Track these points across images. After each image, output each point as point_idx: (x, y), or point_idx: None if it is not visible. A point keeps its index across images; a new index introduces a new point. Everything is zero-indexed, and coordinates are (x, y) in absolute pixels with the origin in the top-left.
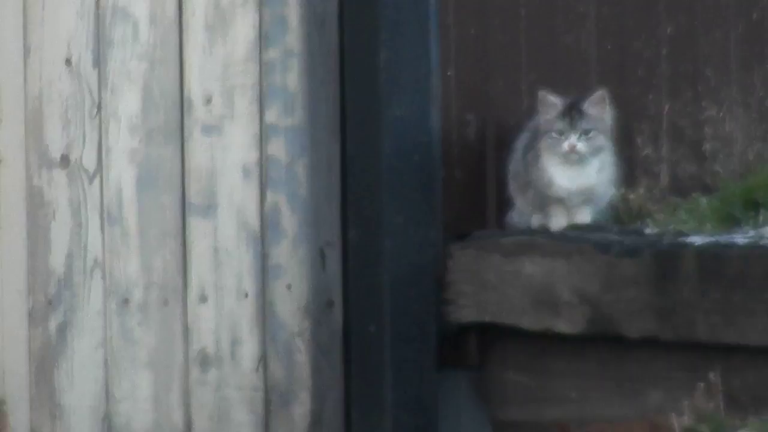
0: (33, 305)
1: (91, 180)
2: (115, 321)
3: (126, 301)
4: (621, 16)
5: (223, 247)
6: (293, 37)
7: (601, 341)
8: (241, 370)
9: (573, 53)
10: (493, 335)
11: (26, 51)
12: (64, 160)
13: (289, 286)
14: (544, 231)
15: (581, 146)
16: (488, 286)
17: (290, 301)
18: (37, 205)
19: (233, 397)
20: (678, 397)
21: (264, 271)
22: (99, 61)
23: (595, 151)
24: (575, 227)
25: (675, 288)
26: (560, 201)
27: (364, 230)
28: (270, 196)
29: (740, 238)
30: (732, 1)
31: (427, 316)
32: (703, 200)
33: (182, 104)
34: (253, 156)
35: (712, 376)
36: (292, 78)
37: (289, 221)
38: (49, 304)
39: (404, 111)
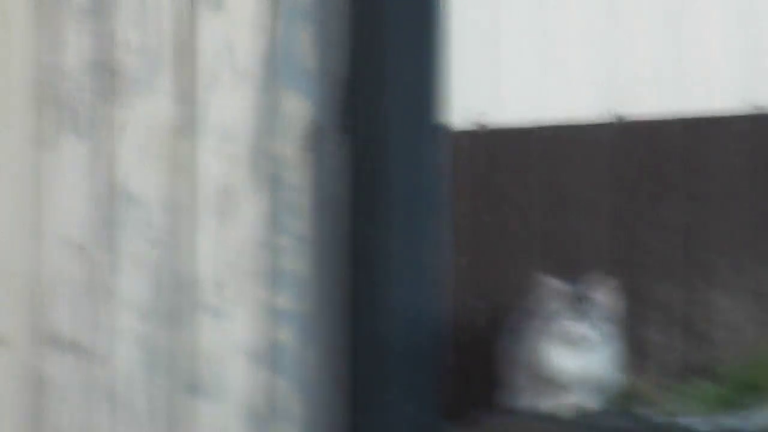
0: None
1: (101, 362)
2: None
3: None
4: (633, 206)
5: (231, 430)
6: (303, 223)
7: None
8: None
9: (584, 240)
10: None
11: (40, 236)
12: (74, 344)
13: None
14: (551, 417)
15: (589, 334)
16: None
17: None
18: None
19: None
20: None
21: None
22: (111, 246)
23: (603, 339)
24: (583, 413)
25: None
26: (566, 387)
27: (370, 414)
28: (276, 381)
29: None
30: (745, 190)
31: None
32: (710, 387)
33: (192, 288)
34: (261, 341)
35: None
36: (301, 264)
37: (297, 406)
38: None
39: (409, 297)
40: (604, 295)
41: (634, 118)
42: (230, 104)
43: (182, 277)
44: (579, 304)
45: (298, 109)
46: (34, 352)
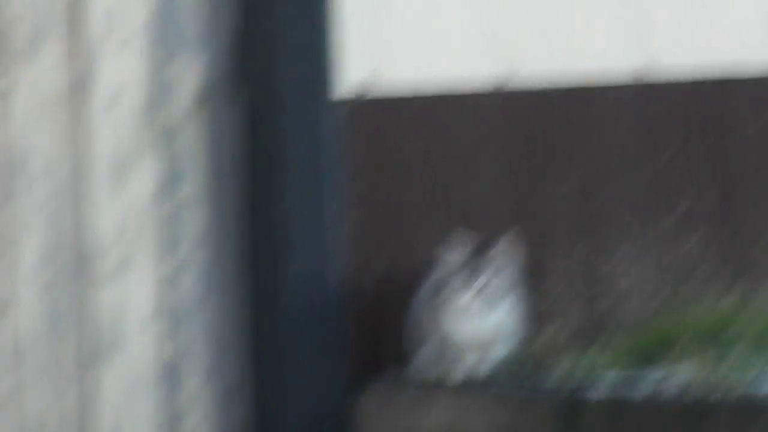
0: None
1: None
2: None
3: None
4: (523, 173)
5: (133, 387)
6: (194, 185)
7: None
8: None
9: (472, 200)
10: None
11: None
12: None
13: (199, 423)
14: (448, 378)
15: (485, 290)
16: None
17: None
18: None
19: None
20: None
21: (170, 414)
22: (3, 210)
23: (501, 297)
24: (479, 374)
25: None
26: (464, 345)
27: (271, 375)
28: (173, 341)
29: (644, 387)
30: (632, 154)
31: None
32: (608, 343)
33: (83, 251)
34: (161, 296)
35: None
36: (193, 226)
37: (200, 359)
38: None
39: (304, 257)
40: (500, 253)
41: (521, 86)
42: (121, 67)
43: (79, 239)
44: (477, 263)
45: (190, 70)
46: None
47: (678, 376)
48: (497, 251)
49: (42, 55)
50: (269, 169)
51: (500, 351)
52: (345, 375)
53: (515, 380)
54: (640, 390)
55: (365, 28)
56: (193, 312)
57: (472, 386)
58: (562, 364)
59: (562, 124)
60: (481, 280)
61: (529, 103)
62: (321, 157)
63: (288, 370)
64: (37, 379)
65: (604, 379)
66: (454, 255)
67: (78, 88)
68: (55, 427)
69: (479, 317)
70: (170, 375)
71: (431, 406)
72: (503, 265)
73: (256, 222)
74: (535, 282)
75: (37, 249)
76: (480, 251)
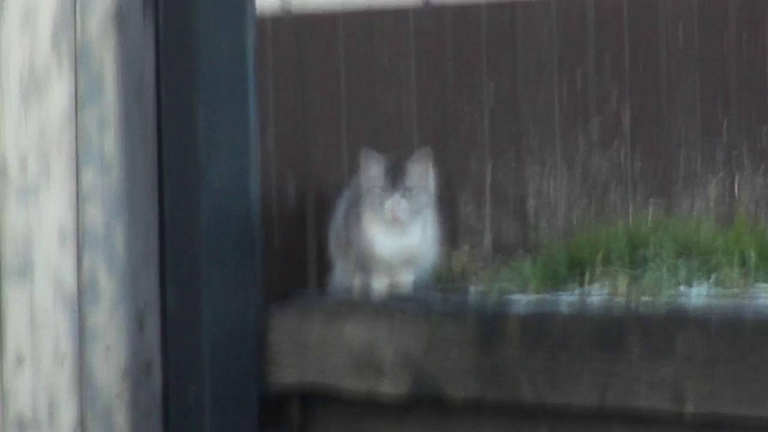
0: None
1: None
2: None
3: None
4: (442, 77)
5: (40, 310)
6: (109, 100)
7: (426, 404)
8: None
9: (394, 114)
10: (317, 398)
11: None
12: None
13: (107, 348)
14: (367, 291)
15: (404, 205)
16: (310, 347)
17: (108, 363)
18: None
19: None
20: None
21: (82, 334)
22: None
23: (418, 211)
24: (398, 288)
25: (500, 349)
26: (382, 261)
27: (183, 292)
28: (87, 259)
29: (564, 298)
30: (554, 60)
31: (248, 378)
32: (528, 260)
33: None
34: (69, 219)
35: None
36: (108, 142)
37: (107, 284)
38: None
39: (222, 173)
40: (417, 165)
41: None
42: None
43: None
44: (394, 177)
45: None
46: None
47: (599, 291)
48: (415, 166)
49: None
50: (186, 86)
51: (419, 267)
52: (262, 292)
53: (435, 297)
54: (561, 306)
55: None
56: (102, 234)
57: (391, 302)
58: (481, 280)
59: (485, 38)
60: (400, 194)
61: (452, 17)
62: (239, 72)
63: (204, 290)
64: None
65: (525, 295)
66: (373, 170)
67: None
68: None
69: (398, 233)
70: (77, 299)
71: (349, 323)
72: (422, 180)
73: (174, 139)
74: (455, 197)
75: None
76: (399, 166)
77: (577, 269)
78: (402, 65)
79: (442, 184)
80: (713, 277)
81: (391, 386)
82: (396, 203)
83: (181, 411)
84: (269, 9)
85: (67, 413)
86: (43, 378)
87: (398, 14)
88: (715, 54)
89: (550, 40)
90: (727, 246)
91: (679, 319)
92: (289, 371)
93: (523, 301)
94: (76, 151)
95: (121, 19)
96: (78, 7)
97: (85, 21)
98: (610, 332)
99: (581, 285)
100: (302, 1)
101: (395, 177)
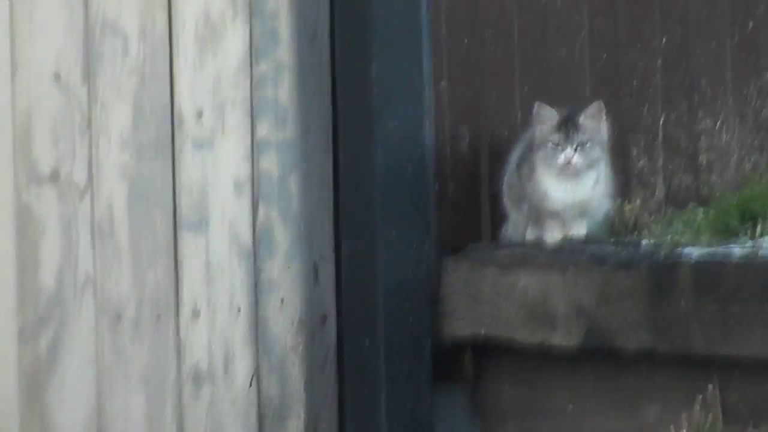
0: (23, 323)
1: (81, 196)
2: (107, 337)
3: (118, 318)
4: (614, 28)
5: (215, 263)
6: (284, 50)
7: (598, 355)
8: (235, 386)
9: (566, 65)
10: (489, 350)
11: (14, 66)
12: (54, 176)
13: (282, 301)
14: (539, 244)
15: (577, 159)
16: (483, 300)
17: (283, 316)
18: (26, 222)
19: (227, 413)
20: (676, 410)
21: (257, 286)
22: (88, 76)
23: (591, 164)
24: (571, 240)
25: (671, 300)
26: (555, 214)
27: (358, 244)
28: (262, 211)
29: (737, 250)
30: (726, 11)
31: (422, 330)
32: (700, 211)
33: (173, 119)
34: (244, 170)
35: (710, 389)
36: (283, 92)
37: (282, 236)
38: (39, 321)
39: (397, 124)
40: (590, 118)
41: None
42: None
43: (162, 108)
44: (567, 130)
45: None
46: (15, 185)
47: None
48: (588, 120)
49: None
50: (359, 36)
51: (592, 220)
52: (436, 245)
53: (607, 249)
54: (733, 257)
55: None
56: (277, 186)
57: (565, 250)
58: (653, 233)
59: None
60: (573, 148)
61: None
62: (413, 21)
63: (379, 242)
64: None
65: (697, 247)
66: (546, 123)
67: None
68: (150, 293)
69: (572, 185)
70: (252, 251)
71: (522, 275)
72: (594, 133)
73: (348, 90)
74: (627, 149)
75: (128, 114)
76: (572, 119)
77: (749, 221)
78: (572, 7)
79: (615, 137)
80: None
81: (564, 338)
82: (569, 156)
83: (355, 364)
84: None
85: (243, 366)
86: (219, 331)
87: None
88: None
89: None
90: None
91: None
92: (462, 324)
93: (695, 253)
94: (251, 101)
95: None
96: None
97: None
98: None
99: (753, 237)
100: None
101: (568, 130)
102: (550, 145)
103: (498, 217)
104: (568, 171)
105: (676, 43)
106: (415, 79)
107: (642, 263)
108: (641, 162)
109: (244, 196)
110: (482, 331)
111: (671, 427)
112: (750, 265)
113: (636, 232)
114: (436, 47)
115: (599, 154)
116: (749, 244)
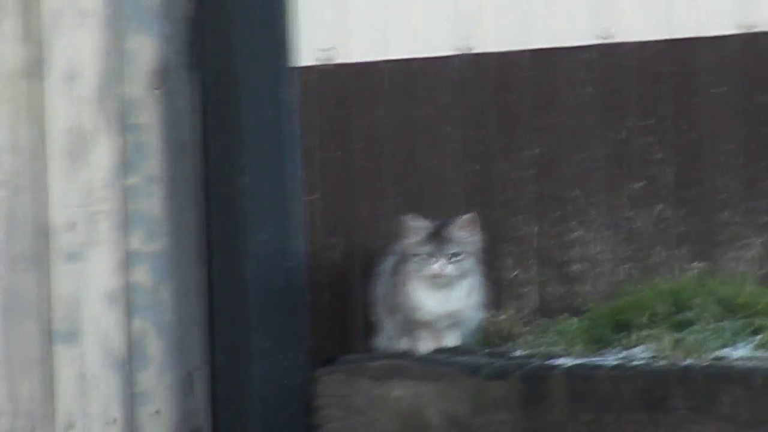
0: None
1: None
2: None
3: None
4: (485, 139)
5: (89, 375)
6: (155, 163)
7: None
8: None
9: (438, 176)
10: None
11: None
12: None
13: (157, 412)
14: (412, 354)
15: (449, 270)
16: (356, 411)
17: (158, 427)
18: None
19: None
20: None
21: (132, 397)
22: None
23: (464, 274)
24: (444, 351)
25: (546, 409)
26: (428, 324)
27: (232, 355)
28: (136, 322)
29: (610, 360)
30: (596, 122)
31: None
32: (574, 321)
33: (47, 231)
34: (117, 282)
35: None
36: (155, 204)
37: (156, 346)
38: None
39: (268, 236)
40: (463, 229)
41: (481, 51)
42: (76, 45)
43: (34, 220)
44: (439, 241)
45: (145, 48)
46: None
47: (643, 352)
48: (461, 231)
49: None
50: (229, 144)
51: (465, 330)
52: (309, 352)
53: (485, 352)
54: (606, 363)
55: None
56: (150, 297)
57: (439, 360)
58: (526, 343)
59: (527, 86)
60: (446, 260)
61: (493, 65)
62: (282, 128)
63: (253, 355)
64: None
65: (570, 358)
66: (417, 235)
67: (34, 63)
68: (24, 405)
69: (444, 296)
70: (126, 363)
71: (398, 381)
72: (467, 245)
73: (220, 202)
74: (503, 253)
75: (1, 225)
76: (444, 231)
77: (623, 330)
78: (445, 115)
79: (488, 247)
80: (757, 338)
81: None
82: (442, 267)
83: None
84: (314, 60)
85: None
86: None
87: (439, 63)
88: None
89: (592, 87)
90: None
91: (723, 380)
92: None
93: (568, 362)
94: (122, 213)
95: (164, 78)
96: (121, 67)
97: (128, 80)
98: (655, 393)
99: (626, 347)
100: (346, 51)
101: (440, 241)
102: (422, 255)
103: (371, 328)
104: (440, 281)
105: (548, 153)
106: (287, 190)
107: (515, 373)
108: (514, 272)
109: (117, 307)
110: None
111: None
112: (623, 374)
113: (510, 342)
114: (309, 159)
115: (471, 265)
116: (623, 354)
